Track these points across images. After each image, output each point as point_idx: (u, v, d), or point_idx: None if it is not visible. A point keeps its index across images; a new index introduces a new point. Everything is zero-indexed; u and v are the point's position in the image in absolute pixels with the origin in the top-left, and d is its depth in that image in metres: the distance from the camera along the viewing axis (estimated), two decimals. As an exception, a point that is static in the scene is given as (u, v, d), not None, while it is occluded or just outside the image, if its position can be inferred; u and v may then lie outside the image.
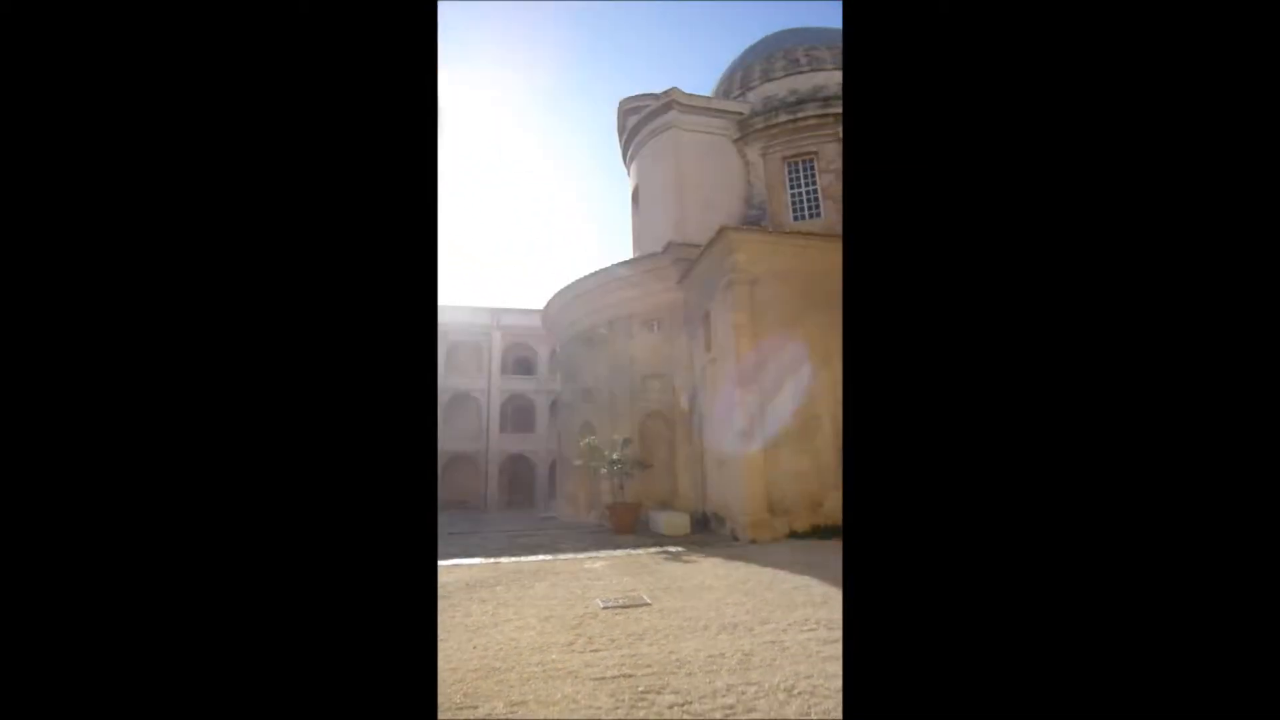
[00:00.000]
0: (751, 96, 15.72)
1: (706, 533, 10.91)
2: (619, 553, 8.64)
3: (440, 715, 2.88)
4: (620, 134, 17.68)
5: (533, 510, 23.15)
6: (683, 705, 2.88)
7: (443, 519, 20.01)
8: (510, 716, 2.82)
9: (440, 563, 8.24)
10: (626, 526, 11.51)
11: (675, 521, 10.84)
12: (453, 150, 68.48)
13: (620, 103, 17.38)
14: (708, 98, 15.58)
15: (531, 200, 72.96)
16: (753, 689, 3.05)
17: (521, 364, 30.60)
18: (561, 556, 8.42)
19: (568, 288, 15.43)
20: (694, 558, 7.92)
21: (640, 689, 3.12)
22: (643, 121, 15.69)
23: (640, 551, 8.68)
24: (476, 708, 2.98)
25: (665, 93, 14.93)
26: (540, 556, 8.52)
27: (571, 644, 4.03)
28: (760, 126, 14.43)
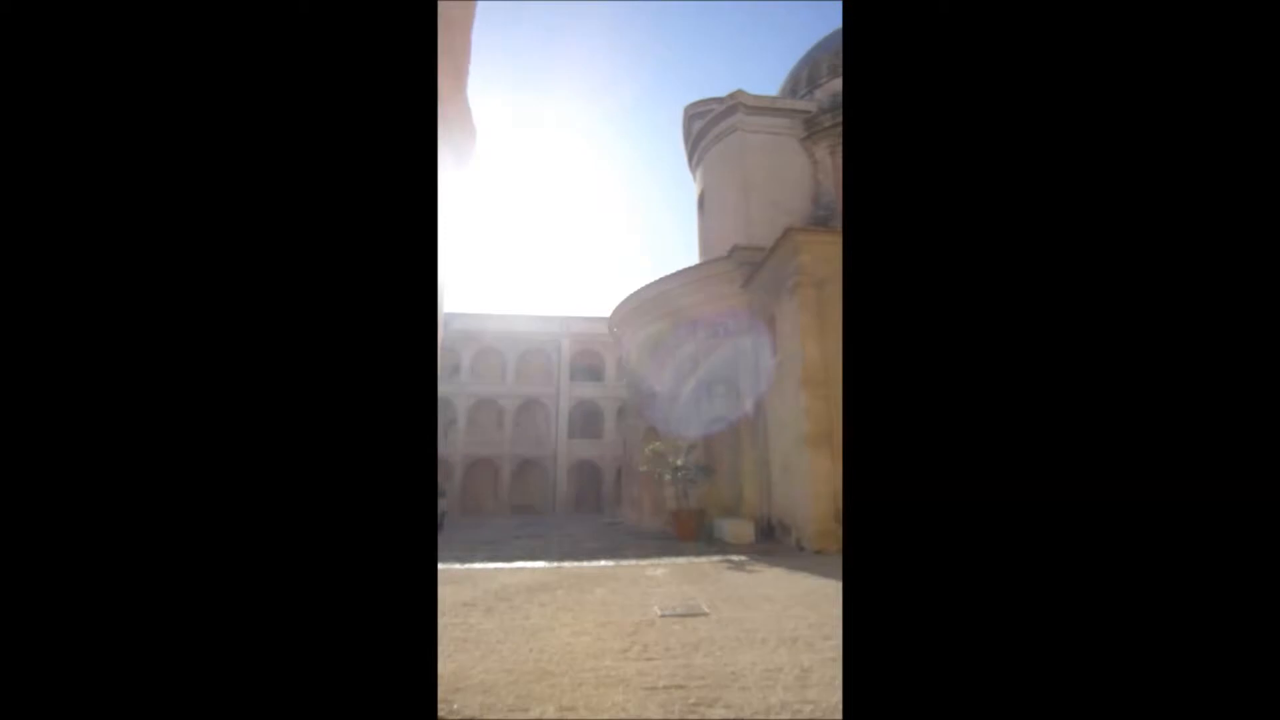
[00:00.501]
0: (819, 94, 15.31)
1: (771, 541, 10.62)
2: (681, 560, 8.55)
3: (494, 715, 2.91)
4: (686, 140, 17.66)
5: (599, 515, 23.37)
6: (734, 721, 2.78)
7: (510, 523, 20.52)
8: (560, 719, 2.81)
9: (504, 565, 8.43)
10: (690, 533, 11.39)
11: (739, 529, 10.62)
12: (524, 159, 70.61)
13: (685, 108, 17.37)
14: (773, 97, 15.31)
15: (602, 208, 74.09)
16: (809, 708, 2.91)
17: (590, 371, 31.03)
18: (624, 562, 8.43)
19: (633, 295, 15.52)
20: (757, 567, 7.71)
21: (691, 701, 3.04)
22: (708, 126, 15.61)
23: (702, 559, 8.55)
24: (528, 710, 2.99)
25: (730, 95, 14.80)
26: (602, 562, 8.55)
27: (626, 651, 4.00)
28: (828, 124, 14.02)
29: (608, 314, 17.91)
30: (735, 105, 14.59)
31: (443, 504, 17.67)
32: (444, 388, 29.87)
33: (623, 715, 2.89)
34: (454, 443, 29.34)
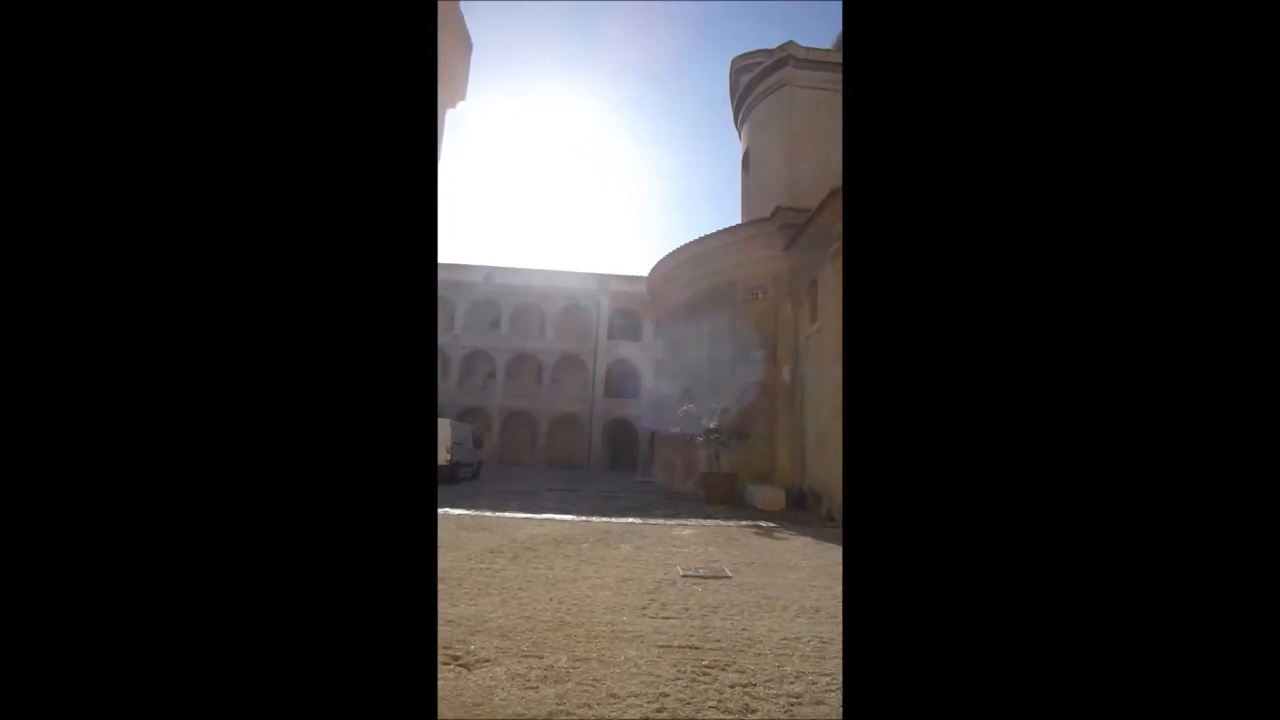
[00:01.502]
0: (878, 46, 14.38)
1: (802, 510, 10.55)
2: (709, 522, 8.57)
3: (509, 660, 2.97)
4: (732, 95, 16.98)
5: (632, 474, 23.69)
6: (745, 686, 2.75)
7: (544, 476, 20.99)
8: (569, 669, 2.84)
9: (534, 516, 8.62)
10: (720, 497, 11.41)
11: (770, 496, 10.57)
12: (559, 114, 69.51)
13: (732, 61, 16.63)
14: (826, 50, 14.49)
15: (644, 165, 72.71)
16: (825, 680, 2.86)
17: (628, 330, 31.06)
18: (651, 521, 8.50)
19: (671, 254, 15.26)
20: (785, 534, 7.67)
21: (705, 663, 3.03)
22: (756, 80, 14.93)
23: (730, 523, 8.55)
24: (542, 657, 3.04)
25: (780, 47, 14.08)
26: (630, 519, 8.65)
27: (645, 608, 4.02)
28: (886, 79, 13.19)
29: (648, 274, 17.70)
30: (785, 58, 13.88)
31: (479, 453, 18.17)
32: (484, 341, 30.44)
33: (634, 670, 2.90)
34: (493, 395, 30.01)
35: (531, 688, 2.65)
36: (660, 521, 8.48)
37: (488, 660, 2.96)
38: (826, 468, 10.03)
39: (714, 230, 13.94)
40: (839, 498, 9.22)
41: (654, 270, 16.56)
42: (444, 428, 14.53)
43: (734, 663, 3.04)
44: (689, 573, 5.16)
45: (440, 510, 8.80)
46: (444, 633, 3.33)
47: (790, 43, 13.87)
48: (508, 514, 8.80)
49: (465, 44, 2.05)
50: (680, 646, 3.26)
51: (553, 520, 8.24)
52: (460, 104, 2.11)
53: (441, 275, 31.44)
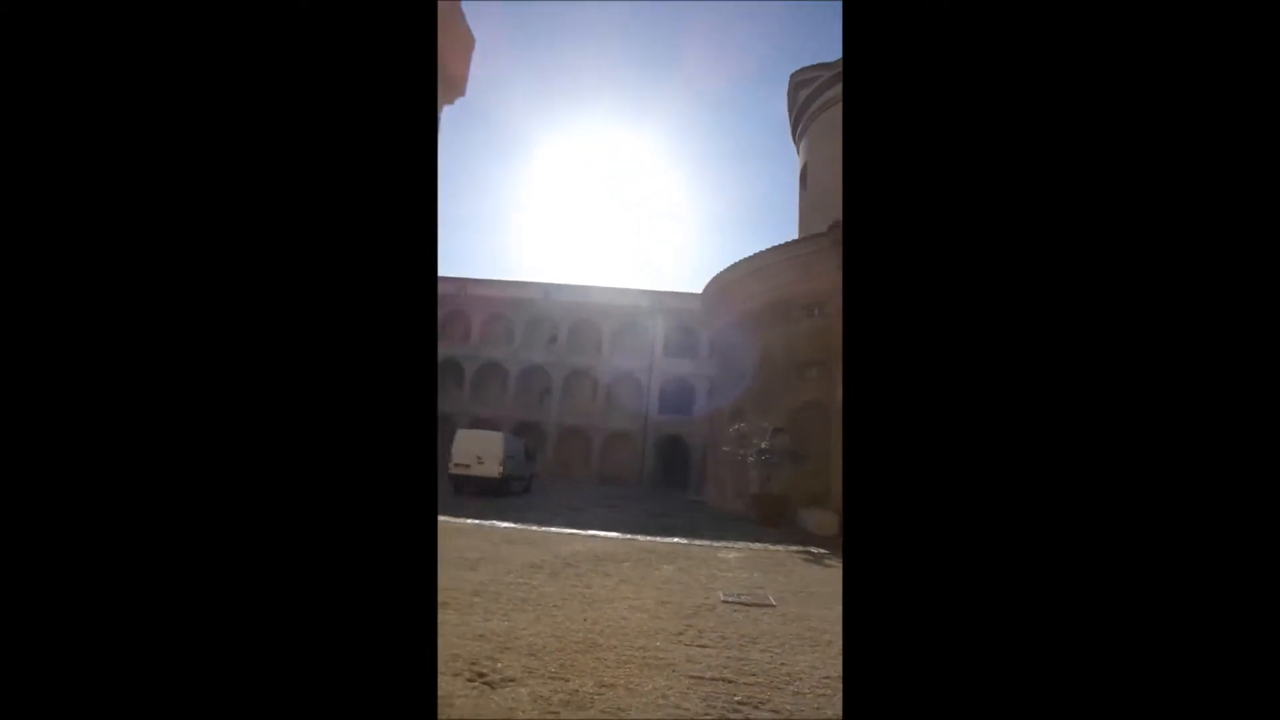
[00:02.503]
0: (944, 56, 13.92)
1: (858, 537, 10.06)
2: (756, 546, 8.29)
3: (535, 681, 2.89)
4: (790, 110, 16.78)
5: (683, 492, 23.39)
6: (779, 726, 2.57)
7: (595, 492, 21.01)
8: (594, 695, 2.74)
9: (579, 532, 8.57)
10: (771, 519, 11.05)
11: (823, 520, 10.15)
12: (621, 133, 70.69)
13: (791, 75, 16.46)
14: (891, 62, 14.11)
15: (704, 183, 72.93)
16: (866, 724, 2.63)
17: (683, 347, 30.95)
18: (697, 542, 8.29)
19: (726, 270, 15.10)
20: (835, 562, 7.31)
21: (738, 698, 2.86)
22: (814, 94, 14.71)
23: (779, 548, 8.24)
24: (568, 680, 2.95)
25: (838, 61, 13.81)
26: (676, 539, 8.47)
27: (680, 635, 3.87)
28: (952, 89, 12.71)
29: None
30: (842, 73, 13.62)
31: (532, 467, 18.38)
32: (542, 356, 30.98)
33: (661, 702, 2.76)
34: (549, 411, 30.44)
35: (552, 712, 2.56)
36: (706, 543, 8.26)
37: (513, 680, 2.90)
38: (885, 493, 9.54)
39: (770, 246, 13.71)
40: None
41: (708, 286, 16.43)
42: (496, 440, 14.78)
43: (769, 700, 2.86)
44: (730, 599, 4.95)
45: (487, 523, 8.89)
46: (473, 648, 3.29)
47: (850, 56, 13.61)
48: (554, 529, 8.79)
49: (467, 41, 2.07)
50: (713, 679, 3.10)
51: (598, 537, 8.17)
52: (459, 99, 2.13)
53: (501, 293, 32.39)
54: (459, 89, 2.07)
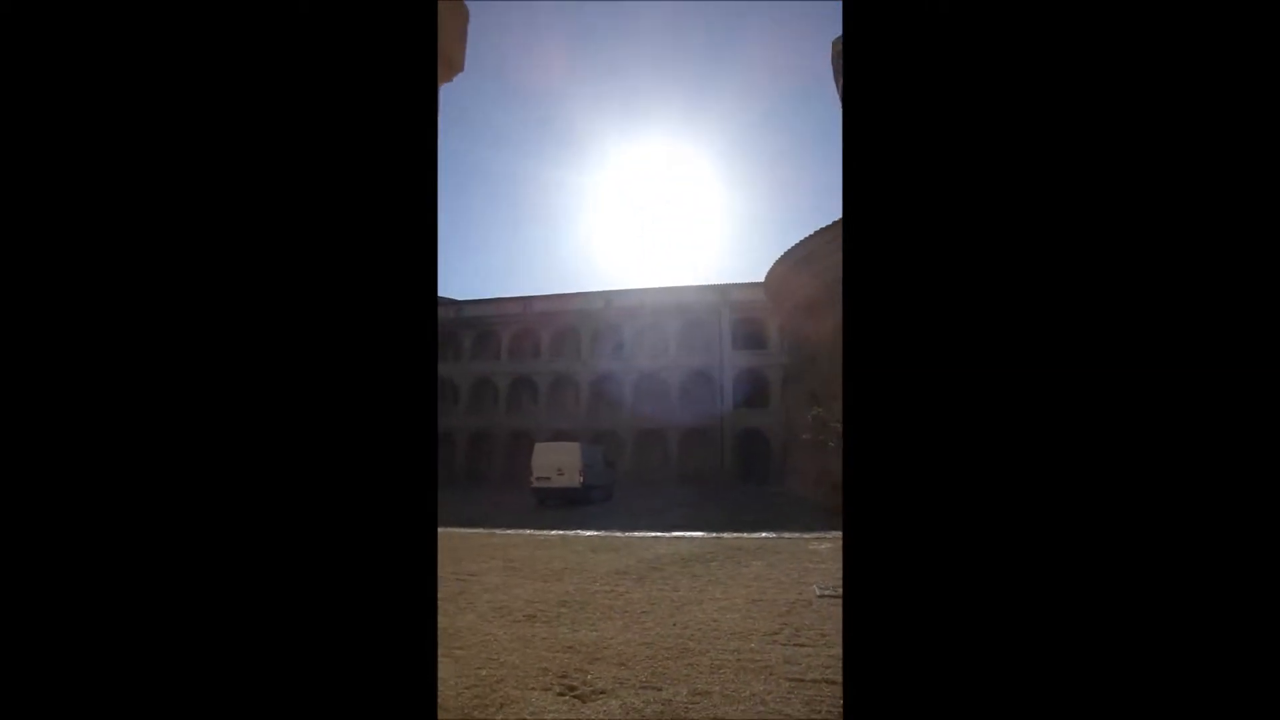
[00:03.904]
0: None
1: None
2: (850, 535, 7.90)
3: (626, 692, 2.79)
4: (835, 78, 16.07)
5: (765, 485, 22.90)
6: (892, 730, 2.34)
7: (677, 492, 20.89)
8: (688, 704, 2.60)
9: (663, 535, 8.47)
10: (862, 506, 10.54)
11: (920, 503, 9.58)
12: (675, 126, 70.44)
13: (833, 44, 15.75)
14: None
15: (759, 166, 71.56)
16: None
17: (752, 338, 30.43)
18: (785, 535, 8.00)
19: (787, 254, 14.65)
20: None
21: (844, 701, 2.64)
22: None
23: (874, 535, 7.81)
24: (660, 689, 2.83)
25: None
26: (763, 534, 8.21)
27: (775, 634, 3.67)
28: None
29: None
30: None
31: (611, 474, 18.49)
32: (611, 364, 31.25)
33: (760, 708, 2.59)
34: (623, 417, 30.65)
35: (642, 725, 2.45)
36: (795, 535, 7.95)
37: (603, 692, 2.81)
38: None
39: (822, 226, 13.17)
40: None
41: (769, 275, 16.00)
42: (573, 451, 14.97)
43: (879, 701, 2.63)
44: (826, 592, 4.69)
45: (571, 532, 8.96)
46: (562, 660, 3.24)
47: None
48: (637, 533, 8.74)
49: (461, 17, 2.03)
50: (815, 680, 2.89)
51: (682, 538, 8.04)
52: (457, 76, 2.08)
53: (564, 306, 32.96)
54: (456, 66, 2.03)
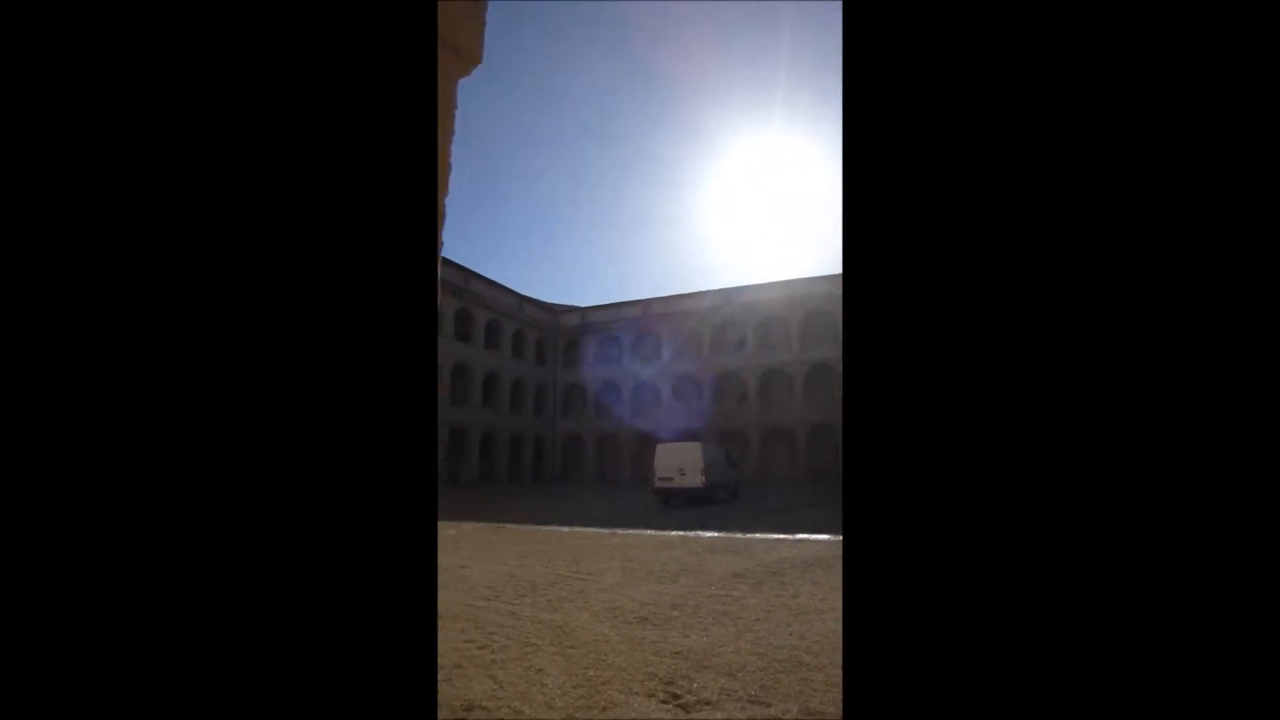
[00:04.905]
0: None
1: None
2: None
3: (732, 705, 2.68)
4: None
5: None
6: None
7: (803, 490, 20.08)
8: (796, 728, 2.43)
9: (785, 537, 8.14)
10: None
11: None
12: (747, 120, 68.10)
13: None
14: None
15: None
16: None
17: (824, 332, 28.75)
18: (922, 539, 7.36)
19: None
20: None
21: (978, 731, 2.33)
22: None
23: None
24: (769, 705, 2.68)
25: None
26: (896, 537, 7.62)
27: (902, 649, 3.35)
28: None
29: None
30: None
31: (734, 473, 18.19)
32: (732, 361, 30.84)
33: (878, 734, 2.35)
34: (747, 414, 30.12)
35: (750, 743, 2.32)
36: (934, 540, 7.29)
37: (709, 703, 2.71)
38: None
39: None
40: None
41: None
42: (695, 451, 14.92)
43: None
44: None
45: (691, 533, 8.89)
46: (668, 666, 3.18)
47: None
48: (758, 535, 8.49)
49: (478, 5, 1.93)
50: (944, 705, 2.59)
51: (806, 540, 7.68)
52: (475, 69, 1.98)
53: (682, 306, 33.06)
54: (474, 58, 1.99)
